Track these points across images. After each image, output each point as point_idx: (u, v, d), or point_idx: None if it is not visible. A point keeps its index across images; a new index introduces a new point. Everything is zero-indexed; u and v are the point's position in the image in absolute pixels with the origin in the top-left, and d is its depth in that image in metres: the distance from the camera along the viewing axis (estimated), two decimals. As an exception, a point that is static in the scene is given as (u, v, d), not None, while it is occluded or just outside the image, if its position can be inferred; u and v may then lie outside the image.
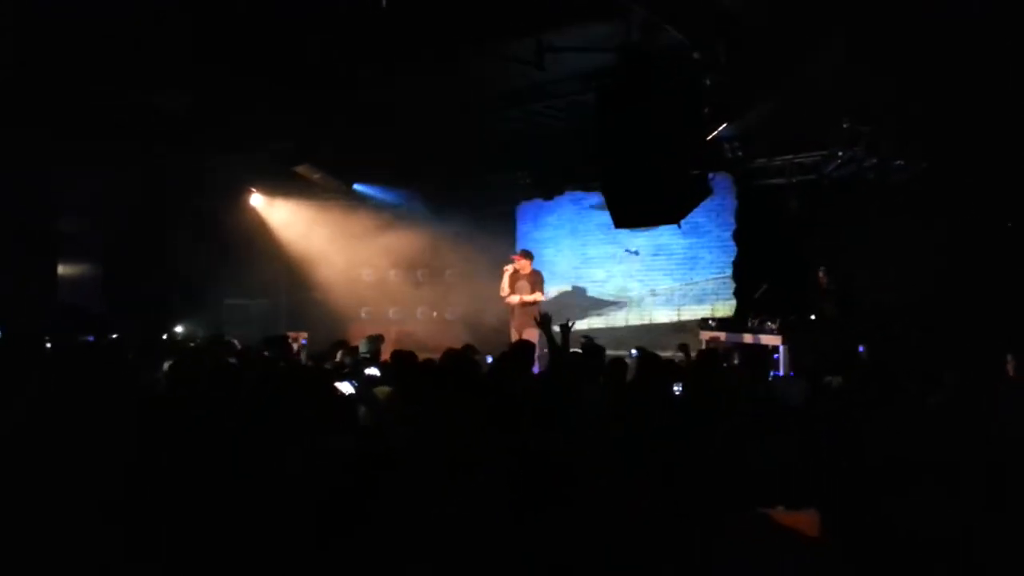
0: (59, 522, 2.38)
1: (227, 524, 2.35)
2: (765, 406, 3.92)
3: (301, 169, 10.89)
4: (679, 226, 6.69)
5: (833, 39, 6.13)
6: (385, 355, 7.25)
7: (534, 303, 9.20)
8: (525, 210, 13.22)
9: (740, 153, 9.73)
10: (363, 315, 12.63)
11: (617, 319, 11.74)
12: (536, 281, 9.47)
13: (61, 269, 11.33)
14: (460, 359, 4.99)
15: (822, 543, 1.95)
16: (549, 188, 12.43)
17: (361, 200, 13.00)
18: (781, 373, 7.88)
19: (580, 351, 5.87)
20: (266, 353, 6.96)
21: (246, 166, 11.48)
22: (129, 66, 7.57)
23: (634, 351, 6.52)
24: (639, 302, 11.49)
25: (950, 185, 8.04)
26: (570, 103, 9.26)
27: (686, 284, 10.94)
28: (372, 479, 2.40)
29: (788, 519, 2.05)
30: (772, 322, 8.23)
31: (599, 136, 6.45)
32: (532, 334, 8.17)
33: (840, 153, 8.64)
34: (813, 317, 8.31)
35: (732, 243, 10.38)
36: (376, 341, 7.36)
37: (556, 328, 5.67)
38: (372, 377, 5.63)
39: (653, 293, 11.30)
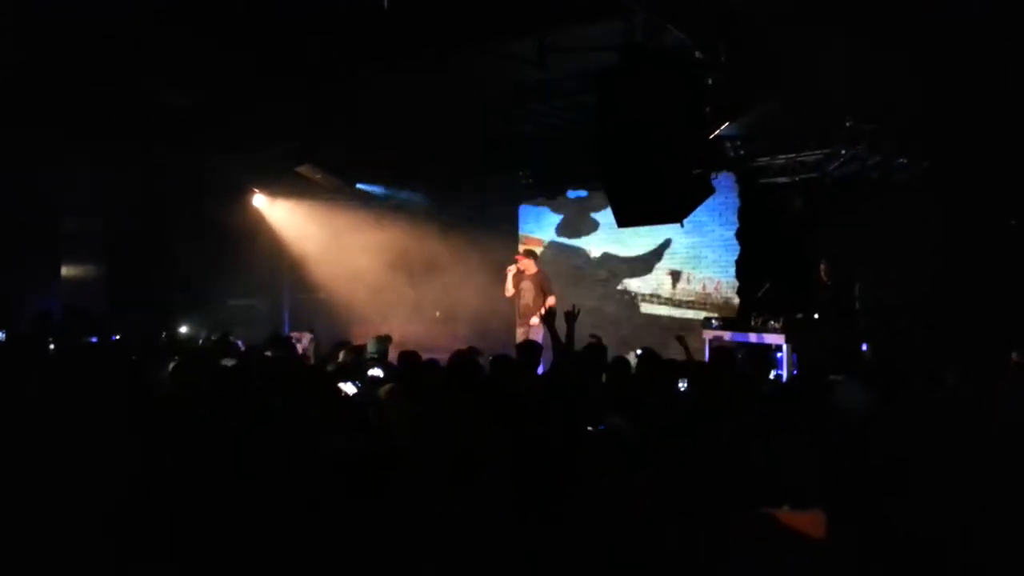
0: (64, 522, 2.38)
1: (232, 524, 2.35)
2: (781, 405, 3.90)
3: (303, 169, 10.89)
4: (682, 225, 6.68)
5: (835, 38, 6.12)
6: (392, 355, 7.25)
7: (548, 306, 9.07)
8: (527, 210, 13.23)
9: (742, 152, 9.72)
10: (366, 314, 12.62)
11: (620, 319, 11.73)
12: (541, 281, 9.37)
13: (63, 270, 11.35)
14: (465, 360, 4.99)
15: (828, 543, 1.95)
16: (551, 188, 12.43)
17: (363, 200, 13.01)
18: (783, 371, 7.88)
19: (585, 349, 5.87)
20: (268, 353, 6.97)
21: (248, 167, 11.49)
22: (130, 66, 7.57)
23: (638, 351, 6.50)
24: (642, 301, 11.48)
25: (953, 183, 8.03)
26: (572, 103, 9.24)
27: (689, 283, 10.93)
28: (376, 479, 2.40)
29: (794, 519, 2.04)
30: (775, 321, 8.23)
31: (601, 135, 6.44)
32: (539, 334, 8.16)
33: (843, 151, 8.63)
34: (817, 316, 8.31)
35: (735, 242, 10.37)
36: (384, 341, 7.35)
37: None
38: (375, 378, 5.62)
39: (656, 292, 11.30)
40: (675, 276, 11.11)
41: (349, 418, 3.34)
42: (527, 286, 9.31)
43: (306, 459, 2.56)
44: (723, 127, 7.77)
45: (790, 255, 9.29)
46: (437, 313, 13.11)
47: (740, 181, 10.30)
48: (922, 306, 8.01)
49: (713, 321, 9.31)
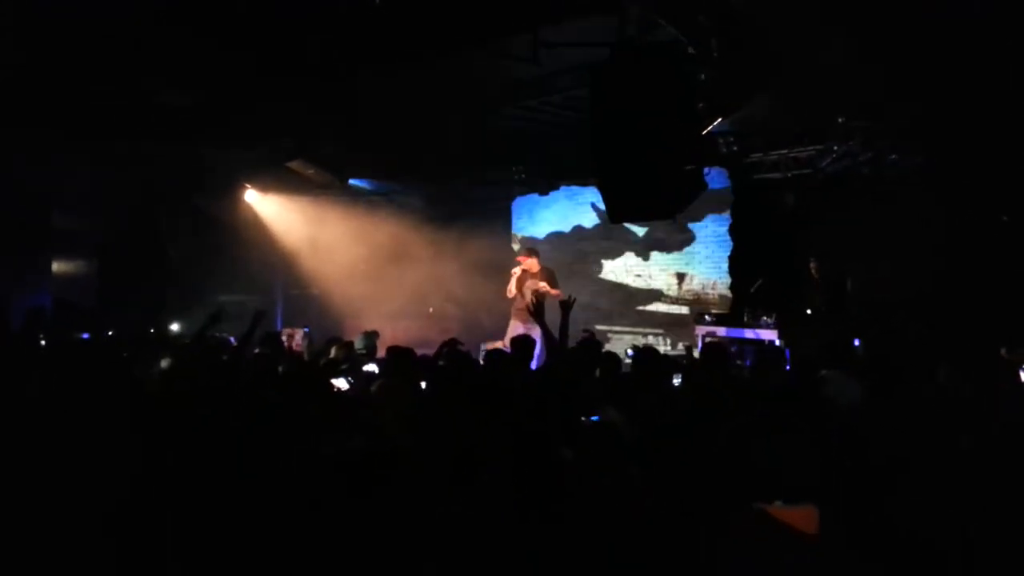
0: (60, 520, 2.38)
1: (231, 523, 2.34)
2: (777, 402, 3.90)
3: (295, 164, 10.86)
4: (675, 221, 6.69)
5: (829, 35, 6.13)
6: (381, 351, 7.26)
7: (555, 296, 9.01)
8: (520, 204, 13.23)
9: (735, 148, 9.74)
10: (359, 310, 12.61)
11: (613, 314, 11.75)
12: (547, 279, 9.29)
13: (56, 266, 11.31)
14: (459, 356, 4.99)
15: (821, 539, 1.95)
16: (545, 183, 12.44)
17: (355, 195, 12.99)
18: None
19: (579, 344, 5.88)
20: (257, 351, 6.96)
21: (241, 163, 11.45)
22: (126, 65, 7.55)
23: (629, 351, 6.51)
24: (634, 297, 11.50)
25: (945, 180, 8.06)
26: (566, 98, 9.24)
27: (682, 279, 10.95)
28: (375, 478, 2.40)
29: (786, 515, 2.05)
30: (768, 316, 8.26)
31: (594, 131, 6.44)
32: (534, 329, 8.15)
33: (835, 148, 8.65)
34: (809, 312, 8.34)
35: (728, 237, 10.39)
36: (372, 337, 7.37)
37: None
38: (370, 374, 5.63)
39: (649, 288, 11.31)
40: (668, 272, 11.11)
41: (344, 415, 3.34)
42: (533, 285, 9.20)
43: (305, 458, 2.56)
44: (716, 123, 7.78)
45: (783, 251, 9.31)
46: (430, 309, 13.10)
47: (733, 177, 10.31)
48: (914, 302, 8.03)
49: (706, 317, 9.33)
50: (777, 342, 8.03)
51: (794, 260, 9.02)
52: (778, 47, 6.33)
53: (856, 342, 7.75)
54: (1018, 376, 5.14)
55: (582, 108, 8.14)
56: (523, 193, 13.01)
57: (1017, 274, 7.50)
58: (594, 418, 3.31)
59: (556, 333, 5.36)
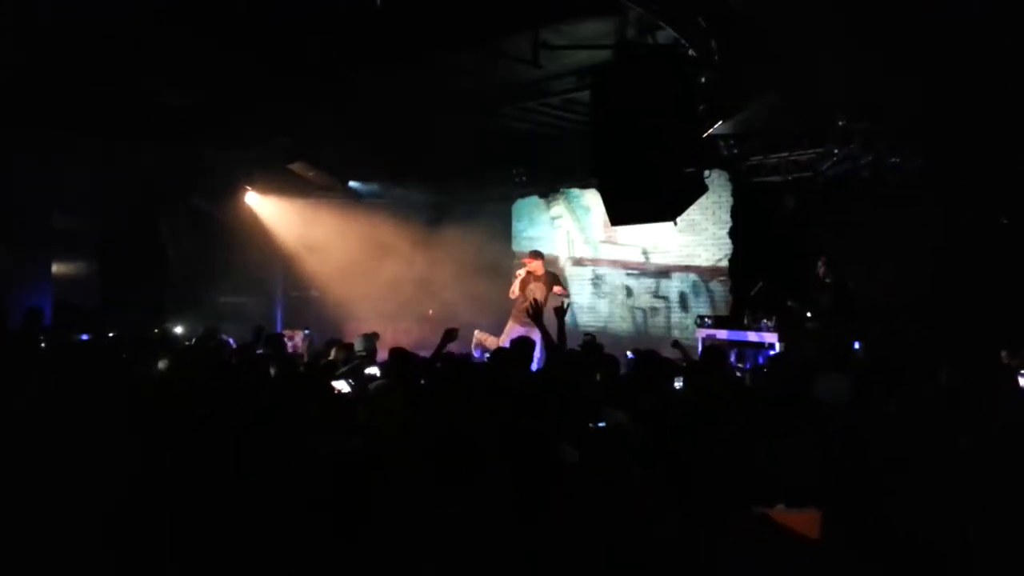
0: (59, 520, 2.37)
1: (230, 524, 2.34)
2: (787, 405, 3.89)
3: (296, 167, 10.87)
4: (675, 223, 6.68)
5: (829, 37, 6.13)
6: (381, 353, 7.25)
7: (563, 296, 9.01)
8: (521, 207, 13.22)
9: (736, 150, 9.74)
10: (359, 312, 12.60)
11: (613, 317, 11.74)
12: (552, 282, 9.30)
13: (55, 267, 11.29)
14: (457, 360, 4.98)
15: (824, 542, 1.95)
16: (545, 185, 12.43)
17: (356, 197, 12.98)
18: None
19: (580, 347, 5.88)
20: (259, 351, 6.95)
21: (241, 163, 11.45)
22: (126, 64, 7.54)
23: (629, 354, 6.50)
24: (635, 299, 11.49)
25: (945, 183, 8.06)
26: (566, 100, 9.24)
27: (682, 281, 10.94)
28: (374, 479, 2.40)
29: (788, 518, 2.04)
30: (768, 319, 8.25)
31: (594, 133, 6.43)
32: (535, 331, 8.14)
33: (836, 151, 8.65)
34: (809, 314, 8.33)
35: (728, 240, 10.38)
36: (372, 339, 7.35)
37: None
38: (372, 376, 5.62)
39: (649, 290, 11.30)
40: (668, 274, 11.10)
41: (343, 417, 3.34)
42: (538, 287, 9.20)
43: (304, 459, 2.55)
44: (716, 125, 7.78)
45: (783, 254, 9.30)
46: (430, 311, 13.09)
47: (733, 180, 10.31)
48: (915, 305, 8.03)
49: (707, 320, 9.32)
50: (777, 345, 8.03)
51: (794, 263, 9.01)
52: (778, 49, 6.33)
53: (857, 345, 7.75)
54: (1017, 380, 5.13)
55: (583, 110, 8.13)
56: (524, 195, 13.00)
57: (1017, 277, 7.50)
58: (600, 424, 3.31)
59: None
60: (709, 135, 8.12)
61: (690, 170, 6.37)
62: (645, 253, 11.36)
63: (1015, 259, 7.62)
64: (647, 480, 2.51)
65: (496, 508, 2.30)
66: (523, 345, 5.76)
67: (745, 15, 6.03)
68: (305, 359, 8.04)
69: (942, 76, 6.54)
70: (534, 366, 6.47)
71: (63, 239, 11.43)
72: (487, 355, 9.31)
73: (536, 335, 6.67)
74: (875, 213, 8.45)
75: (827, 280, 8.47)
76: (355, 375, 5.73)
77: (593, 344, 6.12)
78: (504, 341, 8.94)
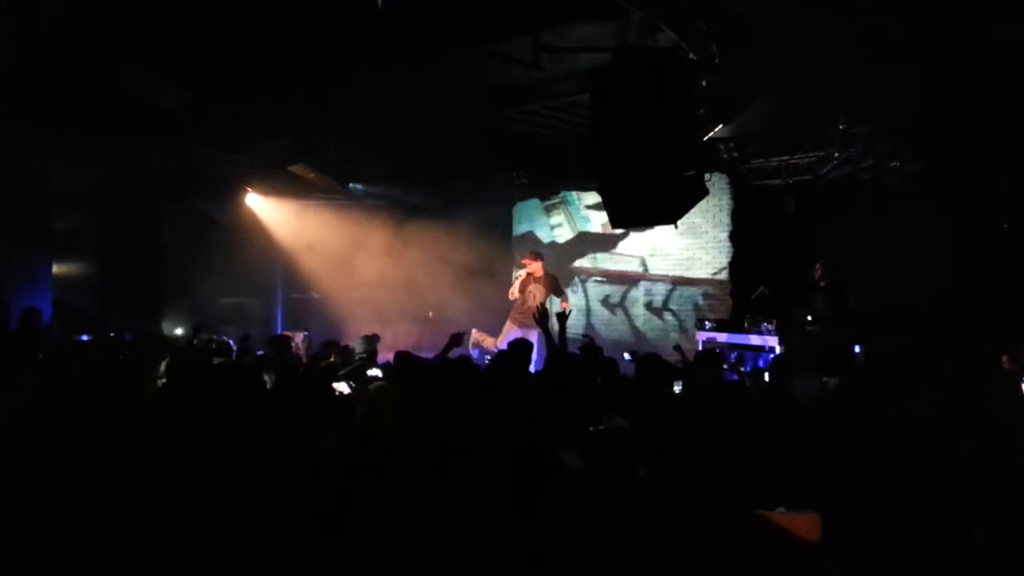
0: (58, 520, 2.37)
1: (229, 523, 2.33)
2: (775, 407, 3.90)
3: (296, 168, 10.86)
4: (676, 227, 6.68)
5: (829, 40, 6.13)
6: (381, 354, 7.24)
7: (562, 303, 9.01)
8: (521, 209, 13.22)
9: (736, 154, 9.73)
10: (359, 314, 12.59)
11: (614, 320, 11.73)
12: (552, 284, 9.32)
13: (55, 268, 11.29)
14: (457, 363, 4.98)
15: (823, 545, 1.94)
16: (546, 188, 12.42)
17: (356, 199, 12.98)
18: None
19: (579, 350, 5.87)
20: (261, 352, 6.95)
21: (241, 164, 11.45)
22: (126, 64, 7.54)
23: (627, 355, 6.49)
24: (635, 303, 11.48)
25: (945, 187, 8.06)
26: (567, 103, 9.24)
27: (682, 285, 10.93)
28: (373, 479, 2.39)
29: (788, 521, 2.04)
30: (768, 323, 8.25)
31: (595, 136, 6.43)
32: (532, 333, 8.14)
33: (836, 154, 8.65)
34: (809, 318, 8.32)
35: (729, 244, 10.38)
36: (372, 340, 7.34)
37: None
38: (374, 378, 5.62)
39: (649, 294, 11.30)
40: (668, 278, 11.10)
41: (344, 418, 3.33)
42: (537, 289, 9.21)
43: (303, 459, 2.55)
44: (717, 129, 7.78)
45: (784, 257, 9.30)
46: (430, 313, 13.09)
47: (734, 183, 10.31)
48: (915, 308, 8.03)
49: (706, 323, 9.32)
50: (777, 348, 8.02)
51: (794, 267, 9.01)
52: (778, 53, 6.33)
53: (856, 348, 7.75)
54: (1018, 384, 5.12)
55: (584, 113, 8.12)
56: (524, 197, 12.99)
57: (1017, 281, 7.50)
58: (601, 427, 3.30)
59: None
60: (710, 138, 8.12)
61: (691, 173, 6.36)
62: (645, 257, 11.36)
63: (1015, 263, 7.62)
64: (648, 483, 2.51)
65: (495, 509, 2.30)
66: (520, 347, 5.76)
67: (745, 18, 6.02)
68: (304, 360, 8.03)
69: (939, 80, 6.55)
70: (532, 368, 6.47)
71: (63, 239, 11.44)
72: (485, 355, 9.33)
73: (533, 336, 6.68)
74: (875, 217, 8.45)
75: (822, 283, 8.48)
76: (356, 377, 5.73)
77: (591, 346, 6.11)
78: (502, 342, 8.95)
